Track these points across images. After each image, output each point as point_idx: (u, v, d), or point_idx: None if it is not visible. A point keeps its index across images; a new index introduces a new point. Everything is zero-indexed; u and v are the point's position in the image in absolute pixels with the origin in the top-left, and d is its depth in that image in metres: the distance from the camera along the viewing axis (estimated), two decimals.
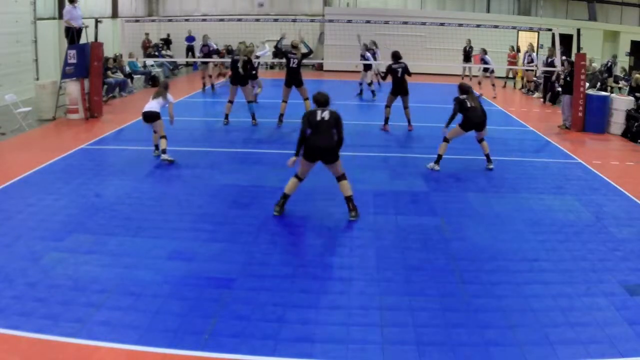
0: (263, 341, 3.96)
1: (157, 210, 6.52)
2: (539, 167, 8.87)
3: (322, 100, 6.36)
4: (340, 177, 6.37)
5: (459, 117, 8.34)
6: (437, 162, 8.35)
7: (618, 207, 6.98)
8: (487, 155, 8.51)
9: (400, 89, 10.78)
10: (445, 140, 8.38)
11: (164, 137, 8.41)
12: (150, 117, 8.40)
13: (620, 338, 4.08)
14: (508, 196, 7.29)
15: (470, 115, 8.22)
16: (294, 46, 11.10)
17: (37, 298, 4.44)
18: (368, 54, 15.00)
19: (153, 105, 8.49)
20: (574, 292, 4.78)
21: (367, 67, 15.19)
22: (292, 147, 8.26)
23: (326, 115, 6.23)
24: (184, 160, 8.64)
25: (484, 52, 15.62)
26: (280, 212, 6.38)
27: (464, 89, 8.45)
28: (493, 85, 16.05)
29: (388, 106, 10.93)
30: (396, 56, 10.92)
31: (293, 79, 10.96)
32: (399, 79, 10.72)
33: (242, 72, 10.80)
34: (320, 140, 6.16)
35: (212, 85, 16.03)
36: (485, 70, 16.02)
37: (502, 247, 5.70)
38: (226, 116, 11.17)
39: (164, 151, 8.34)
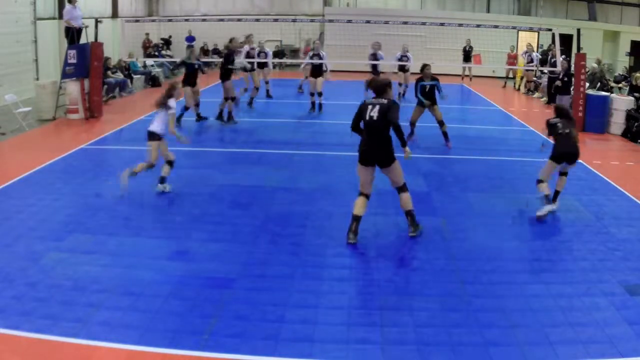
0: (263, 341, 3.96)
1: (157, 210, 6.52)
2: (539, 167, 8.78)
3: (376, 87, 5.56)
4: (400, 189, 5.73)
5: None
6: (547, 203, 6.61)
7: (618, 207, 6.98)
8: (558, 193, 6.87)
9: None
10: (540, 181, 6.68)
11: (168, 162, 7.15)
12: (151, 138, 7.11)
13: (620, 338, 4.08)
14: (508, 196, 7.29)
15: (561, 144, 6.70)
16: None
17: (37, 298, 4.44)
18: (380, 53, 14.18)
19: (154, 123, 7.14)
20: (574, 292, 4.78)
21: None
22: (292, 148, 8.29)
23: (375, 113, 5.46)
24: (184, 160, 8.63)
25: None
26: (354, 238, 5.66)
27: (562, 112, 6.97)
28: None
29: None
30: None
31: None
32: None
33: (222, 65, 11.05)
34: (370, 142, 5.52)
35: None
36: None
37: (502, 247, 5.69)
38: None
39: (162, 180, 7.09)
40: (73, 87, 11.66)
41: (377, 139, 5.53)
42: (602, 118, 11.67)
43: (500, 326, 4.23)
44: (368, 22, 13.88)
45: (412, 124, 9.82)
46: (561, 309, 4.47)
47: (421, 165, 8.53)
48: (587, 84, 13.03)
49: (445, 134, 9.75)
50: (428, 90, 9.53)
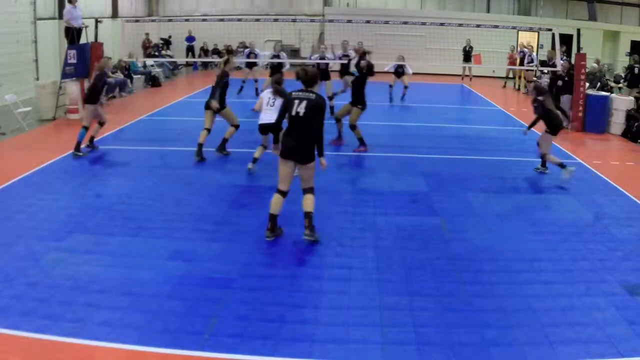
0: (263, 341, 3.96)
1: (157, 210, 6.52)
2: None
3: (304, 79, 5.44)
4: (306, 190, 5.58)
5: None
6: (564, 167, 7.77)
7: (618, 207, 6.98)
8: (561, 164, 7.90)
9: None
10: (546, 155, 7.95)
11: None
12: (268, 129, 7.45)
13: (620, 338, 4.08)
14: (508, 196, 7.29)
15: (554, 118, 7.90)
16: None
17: (37, 298, 4.44)
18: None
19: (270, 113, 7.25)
20: (574, 292, 4.78)
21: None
22: None
23: (302, 109, 5.33)
24: (184, 160, 8.64)
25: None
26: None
27: (540, 90, 8.01)
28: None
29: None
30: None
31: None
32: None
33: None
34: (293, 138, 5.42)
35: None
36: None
37: (502, 247, 5.69)
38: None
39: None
40: (73, 87, 11.67)
41: (300, 135, 5.39)
42: (602, 118, 11.68)
43: (500, 326, 4.23)
44: (368, 22, 13.88)
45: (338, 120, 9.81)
46: (561, 309, 4.47)
47: (421, 165, 8.54)
48: (587, 84, 13.03)
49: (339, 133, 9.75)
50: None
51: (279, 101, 7.13)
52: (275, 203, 5.60)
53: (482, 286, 4.85)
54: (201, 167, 8.33)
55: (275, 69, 12.80)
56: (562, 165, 7.77)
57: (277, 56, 13.39)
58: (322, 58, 13.03)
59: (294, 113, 5.37)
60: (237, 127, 8.88)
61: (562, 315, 4.38)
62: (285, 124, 5.60)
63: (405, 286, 4.83)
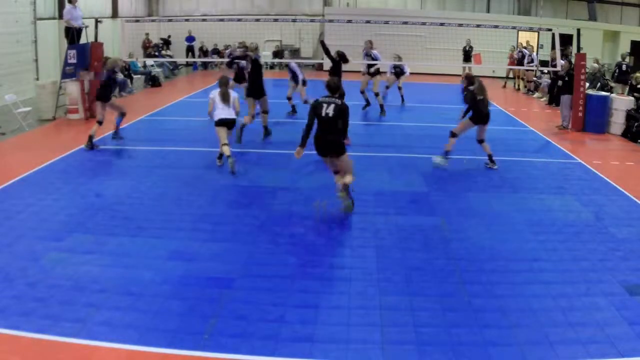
0: (263, 341, 3.96)
1: (157, 210, 6.52)
2: (539, 167, 8.87)
3: (332, 87, 6.30)
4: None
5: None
6: (444, 156, 8.38)
7: (618, 207, 6.98)
8: (490, 156, 8.54)
9: None
10: (454, 135, 8.39)
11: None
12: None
13: (620, 338, 4.08)
14: (508, 196, 7.29)
15: (482, 108, 8.25)
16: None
17: (37, 298, 4.44)
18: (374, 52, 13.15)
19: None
20: (574, 292, 4.78)
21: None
22: (291, 148, 8.29)
23: (330, 110, 6.14)
24: (184, 160, 8.65)
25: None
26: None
27: (471, 80, 8.39)
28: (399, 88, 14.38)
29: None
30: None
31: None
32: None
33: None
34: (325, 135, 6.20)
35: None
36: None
37: (502, 247, 5.70)
38: None
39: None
40: (73, 87, 11.66)
41: (330, 133, 6.19)
42: (602, 118, 11.67)
43: (500, 326, 4.23)
44: (368, 22, 13.84)
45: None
46: (561, 309, 4.47)
47: (421, 165, 8.53)
48: (587, 84, 13.03)
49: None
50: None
51: (230, 97, 8.19)
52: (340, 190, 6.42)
53: (482, 286, 4.85)
54: (201, 167, 8.32)
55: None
56: (446, 153, 8.35)
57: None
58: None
59: (323, 114, 6.16)
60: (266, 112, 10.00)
61: (562, 315, 4.38)
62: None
63: (405, 286, 4.83)
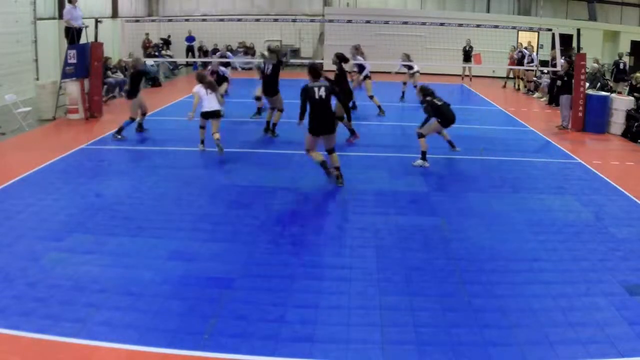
0: (263, 341, 3.96)
1: (157, 210, 6.52)
2: (539, 167, 8.87)
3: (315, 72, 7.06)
4: (331, 150, 7.27)
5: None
6: (424, 159, 8.51)
7: (618, 207, 6.98)
8: (450, 142, 9.20)
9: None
10: (422, 136, 8.56)
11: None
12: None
13: (620, 338, 4.08)
14: (508, 196, 7.29)
15: (446, 112, 8.56)
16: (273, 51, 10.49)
17: (37, 298, 4.44)
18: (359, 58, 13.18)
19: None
20: (574, 292, 4.78)
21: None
22: (291, 147, 8.30)
23: (323, 92, 6.96)
24: (184, 160, 8.65)
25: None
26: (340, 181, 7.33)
27: (427, 92, 8.66)
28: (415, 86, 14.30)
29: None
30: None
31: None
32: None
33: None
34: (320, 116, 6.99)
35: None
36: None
37: (502, 247, 5.69)
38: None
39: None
40: (73, 87, 11.66)
41: (324, 113, 7.04)
42: (602, 118, 11.67)
43: (500, 326, 4.23)
44: (368, 22, 13.86)
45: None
46: (561, 309, 4.47)
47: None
48: (587, 84, 13.03)
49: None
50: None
51: (211, 90, 8.84)
52: (315, 155, 7.33)
53: (482, 286, 4.85)
54: (201, 167, 8.33)
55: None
56: (423, 155, 8.49)
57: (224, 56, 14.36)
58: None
59: (317, 97, 6.96)
60: (281, 111, 10.20)
61: (562, 315, 4.38)
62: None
63: (405, 286, 4.83)
